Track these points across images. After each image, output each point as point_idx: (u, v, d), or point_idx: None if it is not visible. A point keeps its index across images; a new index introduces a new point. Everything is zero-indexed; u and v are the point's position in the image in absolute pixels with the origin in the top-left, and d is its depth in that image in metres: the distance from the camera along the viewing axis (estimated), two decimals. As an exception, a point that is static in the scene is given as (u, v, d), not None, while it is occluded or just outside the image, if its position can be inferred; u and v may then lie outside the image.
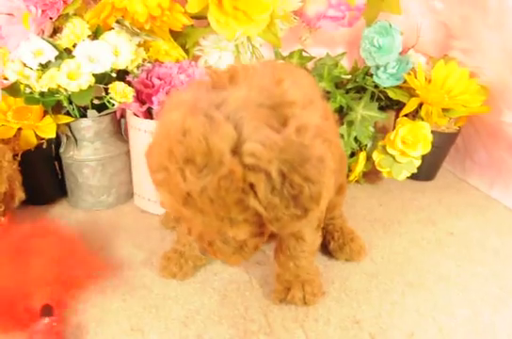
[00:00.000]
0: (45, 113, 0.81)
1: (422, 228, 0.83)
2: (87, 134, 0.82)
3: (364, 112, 0.89)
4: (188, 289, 0.66)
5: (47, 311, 0.57)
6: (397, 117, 0.92)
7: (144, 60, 0.82)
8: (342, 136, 0.89)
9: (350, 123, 0.89)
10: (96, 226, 0.81)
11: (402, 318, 0.62)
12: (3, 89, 0.77)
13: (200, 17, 0.83)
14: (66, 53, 0.76)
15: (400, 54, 0.89)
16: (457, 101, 0.88)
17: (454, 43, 0.94)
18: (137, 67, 0.81)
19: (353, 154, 0.93)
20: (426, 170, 0.97)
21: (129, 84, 0.77)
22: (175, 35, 0.86)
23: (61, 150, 0.85)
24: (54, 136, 0.81)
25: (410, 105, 0.89)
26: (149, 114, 0.80)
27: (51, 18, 0.78)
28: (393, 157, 0.89)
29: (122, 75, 0.80)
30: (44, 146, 0.83)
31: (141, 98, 0.79)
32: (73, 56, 0.74)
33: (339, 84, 0.93)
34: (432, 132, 0.88)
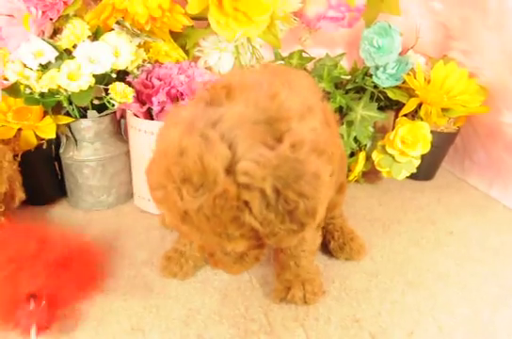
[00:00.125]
0: (45, 113, 0.81)
1: (421, 227, 0.83)
2: (87, 134, 0.82)
3: (364, 112, 0.89)
4: (189, 289, 0.66)
5: (33, 297, 0.57)
6: (397, 117, 0.92)
7: (144, 61, 0.83)
8: (341, 136, 0.89)
9: (350, 123, 0.90)
10: (96, 226, 0.81)
11: (402, 317, 0.62)
12: (3, 90, 0.77)
13: (201, 18, 0.83)
14: (66, 54, 0.76)
15: (399, 54, 0.89)
16: (457, 101, 0.88)
17: (453, 44, 0.94)
18: (137, 68, 0.81)
19: (352, 154, 0.93)
20: (426, 170, 0.98)
21: (129, 84, 0.77)
22: (175, 36, 0.86)
23: (61, 150, 0.85)
24: (54, 136, 0.81)
25: (410, 106, 0.89)
26: (149, 114, 0.80)
27: (51, 19, 0.78)
28: (393, 157, 0.89)
29: (122, 76, 0.80)
30: (44, 146, 0.83)
31: (141, 98, 0.79)
32: (74, 57, 0.75)
33: (338, 84, 0.93)
34: (431, 132, 0.88)
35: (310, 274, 0.64)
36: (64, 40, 0.76)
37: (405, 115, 0.91)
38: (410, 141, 0.86)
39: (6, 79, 0.75)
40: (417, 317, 0.62)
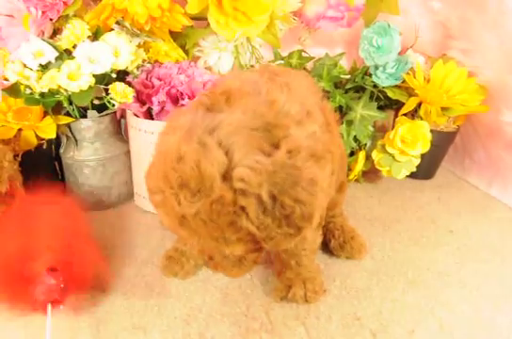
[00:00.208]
0: (45, 114, 0.81)
1: (421, 226, 0.83)
2: (87, 134, 0.82)
3: (363, 112, 0.90)
4: (190, 288, 0.66)
5: (53, 271, 0.57)
6: (396, 116, 0.92)
7: (144, 61, 0.83)
8: (341, 135, 0.89)
9: (349, 123, 0.90)
10: (97, 226, 0.81)
11: (402, 315, 0.62)
12: (3, 90, 0.77)
13: (200, 18, 0.83)
14: (66, 54, 0.76)
15: (399, 54, 0.89)
16: (456, 100, 0.88)
17: (452, 43, 0.94)
18: (137, 67, 0.81)
19: (352, 154, 0.93)
20: (426, 169, 0.98)
21: (129, 84, 0.78)
22: (175, 36, 0.86)
23: (61, 150, 0.85)
24: (54, 136, 0.81)
25: (409, 105, 0.89)
26: (149, 114, 0.80)
27: (51, 19, 0.78)
28: (393, 156, 0.89)
29: (122, 76, 0.80)
30: (44, 146, 0.83)
31: (141, 98, 0.80)
32: (74, 57, 0.75)
33: (338, 84, 0.93)
34: (431, 131, 0.88)
35: (310, 273, 0.64)
36: (64, 41, 0.76)
37: (404, 114, 0.91)
38: (410, 140, 0.86)
39: (6, 79, 0.75)
40: (418, 316, 0.62)
